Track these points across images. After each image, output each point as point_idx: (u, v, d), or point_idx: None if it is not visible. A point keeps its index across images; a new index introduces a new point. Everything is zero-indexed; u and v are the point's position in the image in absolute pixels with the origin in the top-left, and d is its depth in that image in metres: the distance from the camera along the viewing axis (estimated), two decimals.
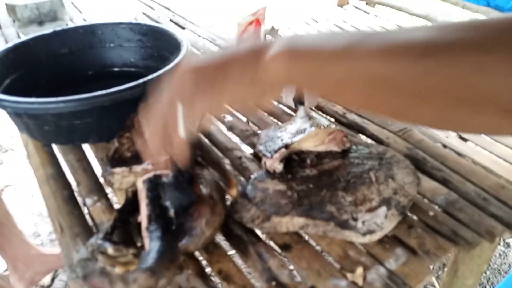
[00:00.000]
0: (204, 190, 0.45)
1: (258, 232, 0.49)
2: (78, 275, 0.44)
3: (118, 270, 0.42)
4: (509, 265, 1.35)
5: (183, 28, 1.25)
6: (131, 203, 0.48)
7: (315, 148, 0.57)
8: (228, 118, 0.73)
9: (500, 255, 1.39)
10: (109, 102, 0.56)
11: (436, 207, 0.52)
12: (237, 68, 0.36)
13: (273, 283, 0.43)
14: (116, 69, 0.81)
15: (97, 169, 0.61)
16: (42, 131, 0.62)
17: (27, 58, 0.72)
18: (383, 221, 0.47)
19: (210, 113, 0.40)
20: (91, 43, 0.79)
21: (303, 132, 0.56)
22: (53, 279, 1.29)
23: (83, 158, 0.63)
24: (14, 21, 1.21)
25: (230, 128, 0.71)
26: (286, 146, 0.55)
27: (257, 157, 0.62)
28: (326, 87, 0.34)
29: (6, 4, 1.20)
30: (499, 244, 1.39)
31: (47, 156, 0.64)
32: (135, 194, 0.47)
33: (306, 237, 0.48)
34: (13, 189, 1.68)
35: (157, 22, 1.28)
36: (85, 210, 0.54)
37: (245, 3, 1.84)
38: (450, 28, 0.29)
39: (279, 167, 0.55)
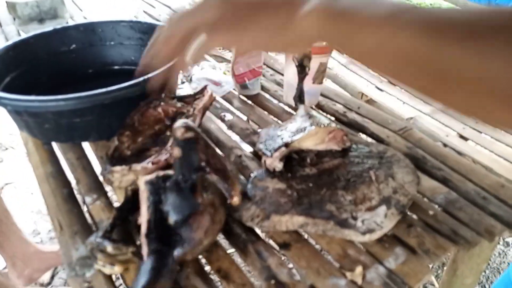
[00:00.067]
0: (205, 196, 0.44)
1: (258, 230, 0.49)
2: (77, 273, 0.44)
3: (117, 268, 0.42)
4: (509, 264, 1.35)
5: None
6: (131, 202, 0.48)
7: (315, 147, 0.57)
8: (228, 116, 0.73)
9: (499, 254, 1.39)
10: (109, 100, 0.56)
11: (436, 206, 0.52)
12: (269, 12, 0.35)
13: (272, 281, 0.43)
14: (116, 67, 0.81)
15: (97, 167, 0.61)
16: (42, 129, 0.62)
17: (27, 56, 0.72)
18: (382, 220, 0.47)
19: (226, 47, 0.40)
20: (92, 41, 0.79)
21: (303, 130, 0.56)
22: (52, 277, 1.30)
23: (82, 156, 0.63)
24: (14, 19, 1.21)
25: (230, 126, 0.71)
26: (286, 145, 0.55)
27: (257, 155, 0.62)
28: (358, 52, 0.34)
29: (6, 2, 1.20)
30: (498, 243, 1.39)
31: (47, 154, 0.64)
32: (134, 192, 0.47)
33: (306, 236, 0.48)
34: (13, 187, 1.68)
35: (157, 20, 1.28)
36: (85, 208, 0.54)
37: None
38: (496, 14, 0.28)
39: (279, 165, 0.55)
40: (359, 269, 0.43)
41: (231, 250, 0.47)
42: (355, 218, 0.47)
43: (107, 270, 0.42)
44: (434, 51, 0.28)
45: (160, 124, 0.60)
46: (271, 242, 0.48)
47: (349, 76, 1.54)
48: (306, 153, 0.58)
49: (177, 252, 0.41)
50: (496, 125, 0.31)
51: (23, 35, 0.74)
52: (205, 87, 0.65)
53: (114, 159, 0.54)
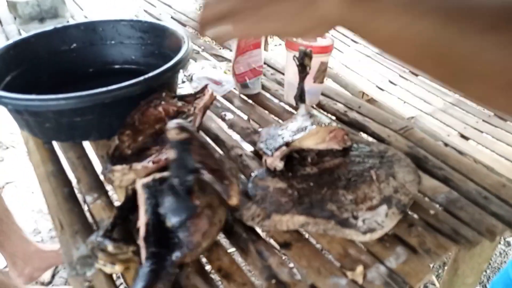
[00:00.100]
0: (203, 198, 0.44)
1: (258, 230, 0.49)
2: (78, 272, 0.44)
3: (118, 267, 0.42)
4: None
5: (184, 25, 1.25)
6: (131, 201, 0.47)
7: (316, 146, 0.57)
8: (229, 115, 0.73)
9: (500, 253, 1.39)
10: (110, 99, 0.56)
11: (437, 205, 0.52)
12: None
13: (273, 281, 0.42)
14: (117, 66, 0.81)
15: (98, 166, 0.61)
16: (43, 128, 0.62)
17: (28, 55, 0.72)
18: (383, 220, 0.46)
19: (248, 35, 0.41)
20: (92, 40, 0.79)
21: (304, 130, 0.56)
22: (53, 276, 1.30)
23: (83, 155, 0.63)
24: (15, 18, 1.21)
25: (231, 125, 0.71)
26: (287, 144, 0.55)
27: (257, 155, 0.62)
28: (377, 38, 0.34)
29: (7, 1, 1.20)
30: (499, 243, 1.38)
31: (48, 153, 0.64)
32: (135, 191, 0.47)
33: (307, 235, 0.48)
34: (14, 186, 1.68)
35: (158, 19, 1.28)
36: (85, 208, 0.54)
37: None
38: None
39: (279, 165, 0.55)
40: (360, 268, 0.43)
41: (231, 250, 0.47)
42: (356, 218, 0.47)
43: (108, 269, 0.42)
44: (454, 41, 0.28)
45: (160, 123, 0.60)
46: (271, 241, 0.48)
47: (350, 75, 1.53)
48: (307, 152, 0.57)
49: (175, 255, 0.41)
50: None
51: (24, 34, 0.74)
52: (205, 86, 0.65)
53: (115, 158, 0.54)
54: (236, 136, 0.68)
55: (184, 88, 0.83)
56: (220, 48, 1.05)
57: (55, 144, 0.65)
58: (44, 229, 1.48)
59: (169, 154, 0.44)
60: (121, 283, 0.46)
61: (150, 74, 0.58)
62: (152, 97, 0.61)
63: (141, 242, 0.41)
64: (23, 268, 1.18)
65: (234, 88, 0.82)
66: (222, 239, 0.48)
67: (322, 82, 0.74)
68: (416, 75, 1.53)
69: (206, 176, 0.44)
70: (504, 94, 0.28)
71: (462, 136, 1.24)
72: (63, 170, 0.61)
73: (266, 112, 0.75)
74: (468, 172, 0.57)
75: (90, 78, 0.79)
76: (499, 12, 0.27)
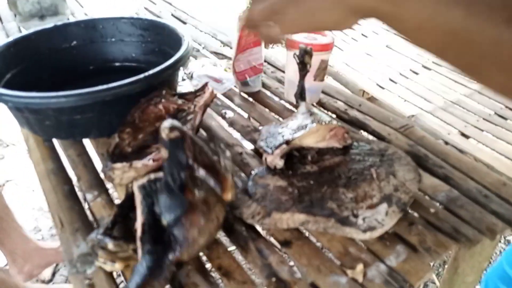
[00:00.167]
0: (197, 194, 0.43)
1: (259, 228, 0.49)
2: (78, 270, 0.44)
3: (118, 265, 0.42)
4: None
5: (184, 23, 1.24)
6: (132, 199, 0.47)
7: (316, 144, 0.57)
8: (229, 113, 0.73)
9: (500, 252, 1.39)
10: (110, 97, 0.56)
11: (437, 204, 0.52)
12: None
13: (273, 279, 0.43)
14: (117, 64, 0.81)
15: (98, 164, 0.61)
16: (43, 126, 0.61)
17: (28, 52, 0.72)
18: (383, 218, 0.46)
19: (295, 32, 0.43)
20: (92, 37, 0.79)
21: (304, 128, 0.56)
22: (53, 274, 1.30)
23: (83, 153, 0.63)
24: (15, 15, 1.21)
25: (231, 123, 0.71)
26: (287, 142, 0.55)
27: (258, 153, 0.62)
28: (405, 27, 0.35)
29: None
30: (500, 241, 1.39)
31: (48, 151, 0.64)
32: None
33: (307, 234, 0.48)
34: (14, 184, 1.68)
35: (158, 17, 1.28)
36: (86, 205, 0.54)
37: None
38: None
39: (280, 163, 0.55)
40: (360, 266, 0.43)
41: (231, 248, 0.47)
42: (356, 216, 0.47)
43: (108, 267, 0.42)
44: (480, 31, 0.28)
45: (161, 121, 0.60)
46: (272, 239, 0.48)
47: (350, 73, 1.53)
48: (307, 150, 0.57)
49: (172, 253, 0.41)
50: None
51: (24, 32, 0.74)
52: (206, 84, 0.64)
53: (115, 156, 0.54)
54: (236, 134, 0.68)
55: (184, 86, 0.83)
56: (221, 46, 1.05)
57: (55, 141, 0.65)
58: (44, 227, 1.48)
59: (162, 153, 0.44)
60: (122, 281, 0.46)
61: (151, 72, 0.58)
62: (153, 95, 0.60)
63: (138, 242, 0.41)
64: (23, 265, 1.18)
65: (235, 86, 0.82)
66: (222, 237, 0.48)
67: (322, 80, 0.74)
68: (416, 73, 1.53)
69: (199, 172, 0.44)
70: None
71: (463, 134, 1.23)
72: (63, 168, 0.61)
73: (267, 110, 0.75)
74: (469, 170, 0.57)
75: (91, 76, 0.79)
76: None
